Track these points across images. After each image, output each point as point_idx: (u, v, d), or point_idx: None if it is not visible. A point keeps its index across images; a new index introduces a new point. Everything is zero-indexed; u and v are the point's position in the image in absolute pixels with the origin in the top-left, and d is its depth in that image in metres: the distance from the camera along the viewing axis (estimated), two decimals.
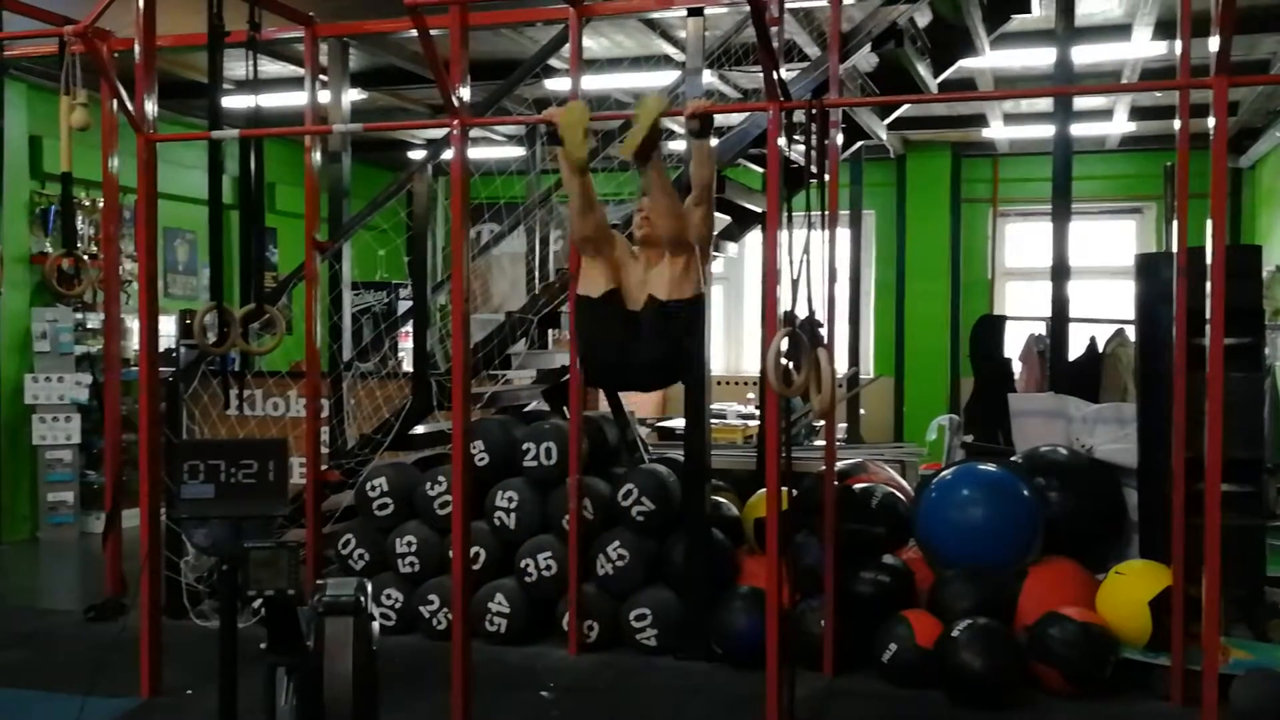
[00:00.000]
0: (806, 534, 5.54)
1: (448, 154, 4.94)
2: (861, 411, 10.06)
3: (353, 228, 6.66)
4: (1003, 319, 8.61)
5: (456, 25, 4.66)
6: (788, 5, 6.03)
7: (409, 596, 6.03)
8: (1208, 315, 4.29)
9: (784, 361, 4.12)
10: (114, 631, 5.85)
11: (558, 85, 8.12)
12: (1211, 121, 4.16)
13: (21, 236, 8.65)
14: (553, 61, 6.92)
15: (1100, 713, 4.90)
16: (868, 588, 5.48)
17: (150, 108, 5.21)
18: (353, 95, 7.26)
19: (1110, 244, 12.04)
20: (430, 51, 4.40)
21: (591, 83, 7.10)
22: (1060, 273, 6.55)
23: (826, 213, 4.50)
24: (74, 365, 8.81)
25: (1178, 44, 5.10)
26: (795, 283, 4.24)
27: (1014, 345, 8.21)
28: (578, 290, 4.30)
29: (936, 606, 5.36)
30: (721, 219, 6.59)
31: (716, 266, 10.97)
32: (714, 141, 4.47)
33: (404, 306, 9.37)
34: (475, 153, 8.47)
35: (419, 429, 6.34)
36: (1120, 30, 7.79)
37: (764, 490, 5.35)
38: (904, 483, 6.98)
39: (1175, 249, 5.07)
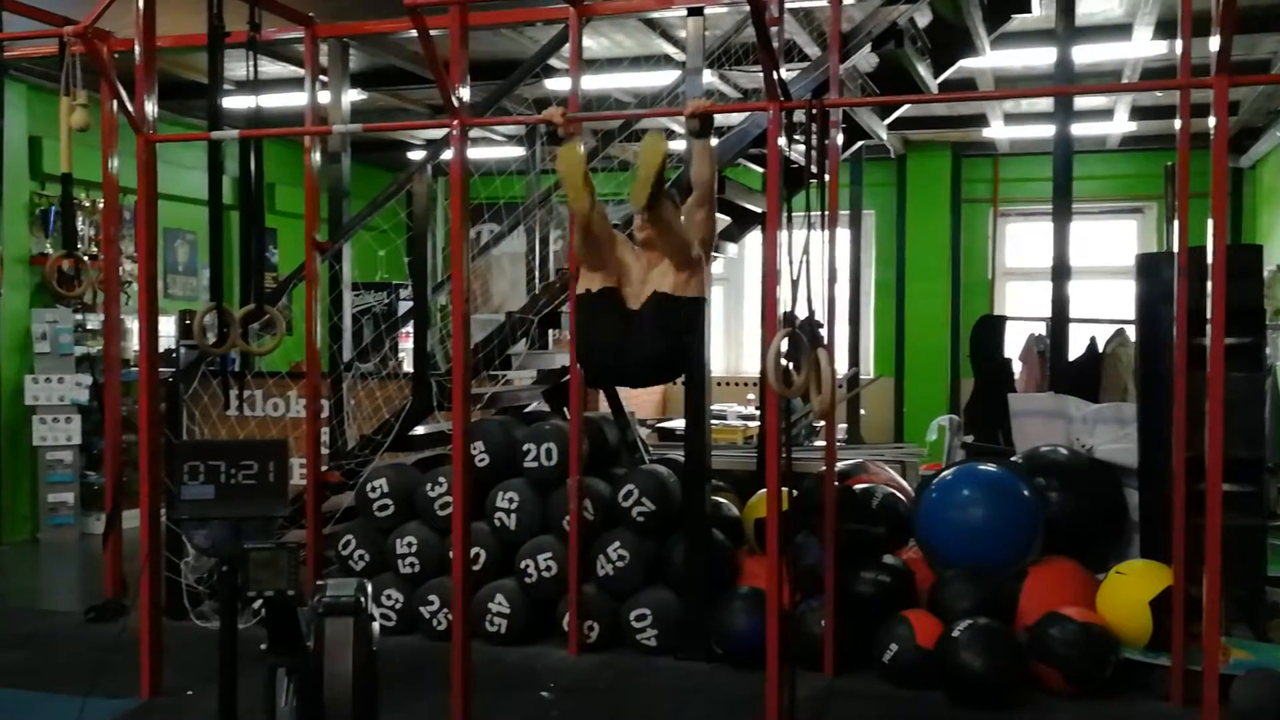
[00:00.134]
0: (807, 534, 5.53)
1: (447, 154, 4.94)
2: (862, 412, 10.06)
3: (353, 228, 6.66)
4: (1003, 319, 8.61)
5: (456, 25, 4.66)
6: (788, 5, 6.03)
7: (409, 597, 6.03)
8: (1208, 315, 4.28)
9: (784, 362, 4.12)
10: (114, 632, 5.85)
11: (558, 85, 8.12)
12: (1212, 121, 4.16)
13: (21, 237, 8.65)
14: (553, 61, 6.92)
15: (1101, 713, 4.89)
16: (868, 588, 5.48)
17: (150, 108, 5.21)
18: (352, 96, 7.26)
19: (1111, 244, 12.04)
20: (430, 52, 4.40)
21: (591, 83, 7.10)
22: (1061, 273, 6.55)
23: (826, 213, 4.50)
24: (74, 366, 8.81)
25: (1178, 44, 5.10)
26: (795, 283, 4.24)
27: (1014, 345, 8.21)
28: (577, 289, 4.30)
29: (937, 607, 5.36)
30: (721, 219, 6.58)
31: (717, 266, 10.98)
32: (714, 141, 4.47)
33: (404, 307, 9.38)
34: (475, 153, 8.47)
35: (419, 430, 6.34)
36: (1121, 30, 7.79)
37: (764, 491, 5.35)
38: (904, 483, 6.98)
39: (1176, 249, 5.06)
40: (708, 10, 5.84)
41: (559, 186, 6.14)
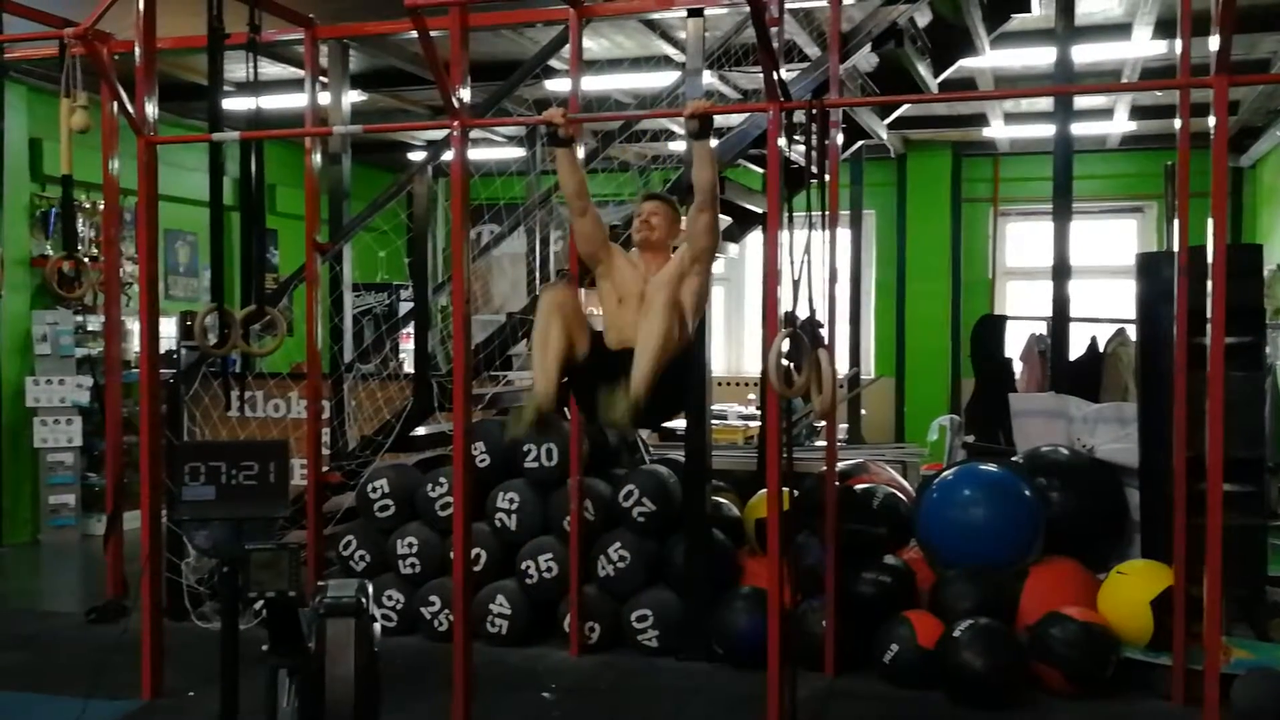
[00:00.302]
0: (808, 534, 5.54)
1: (448, 155, 4.94)
2: (862, 412, 10.05)
3: (353, 229, 6.66)
4: (1003, 319, 8.61)
5: (456, 26, 4.67)
6: (788, 6, 6.03)
7: (410, 598, 6.03)
8: (1209, 314, 4.28)
9: (785, 362, 4.12)
10: (115, 633, 5.85)
11: (558, 86, 8.12)
12: (1212, 120, 4.16)
13: (22, 239, 8.66)
14: (553, 62, 6.92)
15: (1101, 712, 4.90)
16: (869, 588, 5.48)
17: (150, 110, 5.21)
18: (353, 97, 7.26)
19: (1111, 243, 12.03)
20: (430, 53, 4.40)
21: (592, 84, 7.10)
22: (1061, 272, 6.55)
23: (827, 213, 4.50)
24: (75, 368, 8.81)
25: (1178, 43, 5.10)
26: (796, 283, 4.24)
27: (1015, 345, 8.21)
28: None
29: (938, 607, 5.36)
30: (722, 219, 6.58)
31: (717, 267, 10.94)
32: (714, 142, 4.47)
33: (405, 308, 9.38)
34: (475, 154, 8.47)
35: (420, 430, 6.34)
36: (1120, 29, 7.79)
37: (765, 491, 5.35)
38: (905, 483, 6.99)
39: (1176, 248, 5.06)
40: (708, 11, 5.84)
41: (559, 187, 6.15)
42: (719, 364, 12.36)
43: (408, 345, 7.23)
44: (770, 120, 4.47)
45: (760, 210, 6.35)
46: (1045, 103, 9.60)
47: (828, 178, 4.83)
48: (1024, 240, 12.65)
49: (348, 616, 3.27)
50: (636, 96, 8.42)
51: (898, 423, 12.03)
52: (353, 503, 6.25)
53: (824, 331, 4.83)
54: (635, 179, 10.02)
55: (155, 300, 5.29)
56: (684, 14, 5.84)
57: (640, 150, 10.06)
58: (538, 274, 7.85)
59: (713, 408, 5.83)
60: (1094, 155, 11.52)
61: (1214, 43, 4.11)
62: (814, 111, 4.46)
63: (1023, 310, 10.92)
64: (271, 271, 10.60)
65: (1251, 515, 5.13)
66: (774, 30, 5.49)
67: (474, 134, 5.63)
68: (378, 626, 3.38)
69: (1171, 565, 5.00)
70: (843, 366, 9.05)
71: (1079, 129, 9.56)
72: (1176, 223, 5.03)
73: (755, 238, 7.16)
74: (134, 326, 7.48)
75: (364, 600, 3.32)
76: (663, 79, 8.04)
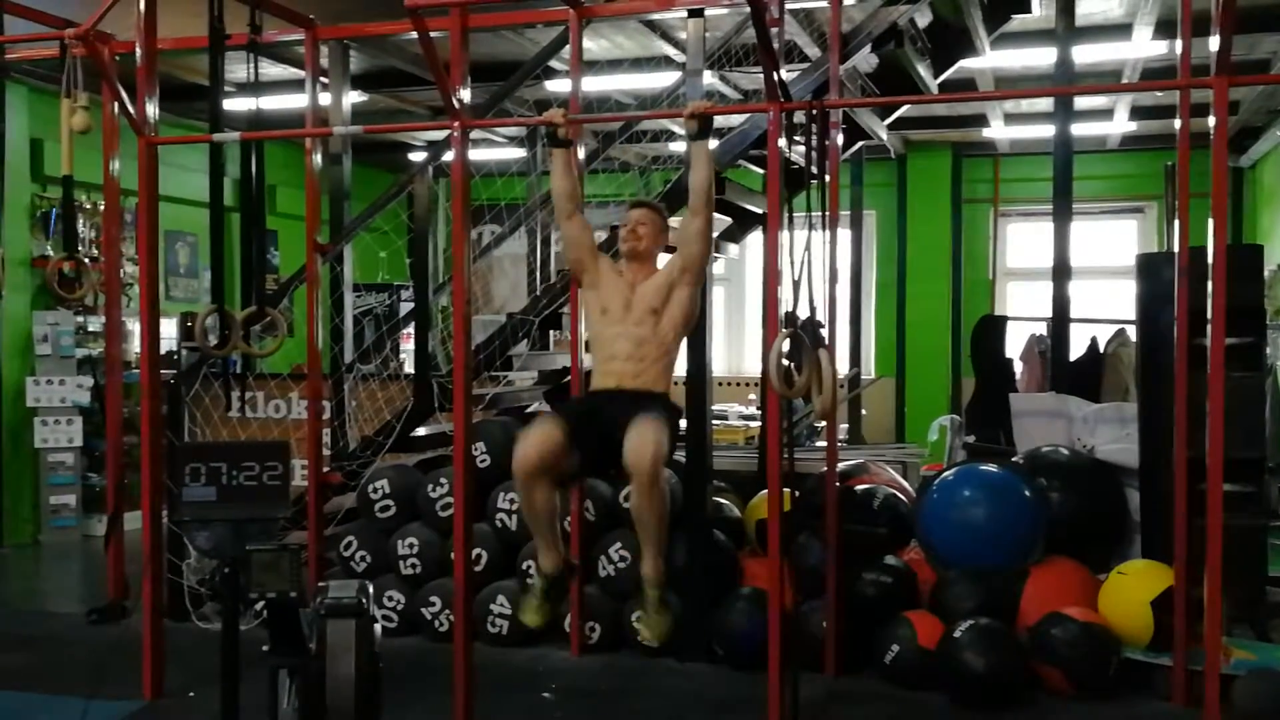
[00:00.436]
0: (808, 535, 5.54)
1: (448, 156, 4.95)
2: (863, 412, 10.06)
3: (354, 230, 6.67)
4: (1004, 319, 8.61)
5: (457, 27, 4.67)
6: (788, 6, 6.03)
7: (411, 598, 6.03)
8: (1209, 315, 4.29)
9: (785, 362, 4.12)
10: (116, 634, 5.86)
11: (558, 87, 8.12)
12: (1212, 121, 4.16)
13: (23, 240, 8.66)
14: (553, 63, 6.93)
15: (1102, 713, 4.90)
16: (870, 589, 5.48)
17: (151, 110, 5.21)
18: (353, 97, 7.26)
19: (1111, 244, 12.04)
20: (431, 53, 4.40)
21: (592, 84, 7.10)
22: (1061, 273, 6.55)
23: (827, 213, 4.50)
24: (75, 368, 8.82)
25: (1178, 43, 5.10)
26: (796, 284, 4.24)
27: (1015, 345, 8.21)
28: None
29: (938, 607, 5.36)
30: (722, 220, 6.59)
31: (718, 267, 10.96)
32: (714, 143, 4.48)
33: (405, 308, 9.37)
34: (476, 154, 8.47)
35: (421, 431, 6.34)
36: (1120, 30, 7.79)
37: (765, 491, 5.35)
38: (905, 484, 6.98)
39: (1176, 249, 5.06)
40: (708, 12, 5.84)
41: None
42: (719, 364, 12.35)
43: (408, 346, 7.23)
44: (770, 121, 4.47)
45: (760, 211, 6.35)
46: (1045, 103, 9.61)
47: (828, 178, 4.84)
48: (1024, 241, 12.66)
49: (348, 617, 3.27)
50: (637, 97, 8.42)
51: (898, 423, 12.03)
52: (353, 503, 6.25)
53: (824, 332, 4.83)
54: (636, 180, 10.03)
55: (156, 301, 5.29)
56: (684, 14, 5.84)
57: (641, 151, 10.08)
58: (538, 275, 7.85)
59: (713, 408, 5.82)
60: (1094, 156, 11.52)
61: (1214, 43, 4.11)
62: (814, 112, 4.46)
63: (1023, 311, 10.92)
64: (272, 272, 10.59)
65: (1252, 516, 5.13)
66: (774, 31, 5.49)
67: (474, 134, 5.64)
68: (378, 627, 3.38)
69: (1172, 566, 5.00)
70: (843, 367, 9.06)
71: (1079, 129, 9.56)
72: (1177, 223, 5.03)
73: (755, 238, 7.16)
74: (134, 327, 7.49)
75: (365, 601, 3.33)
76: (663, 80, 8.04)
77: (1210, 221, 4.24)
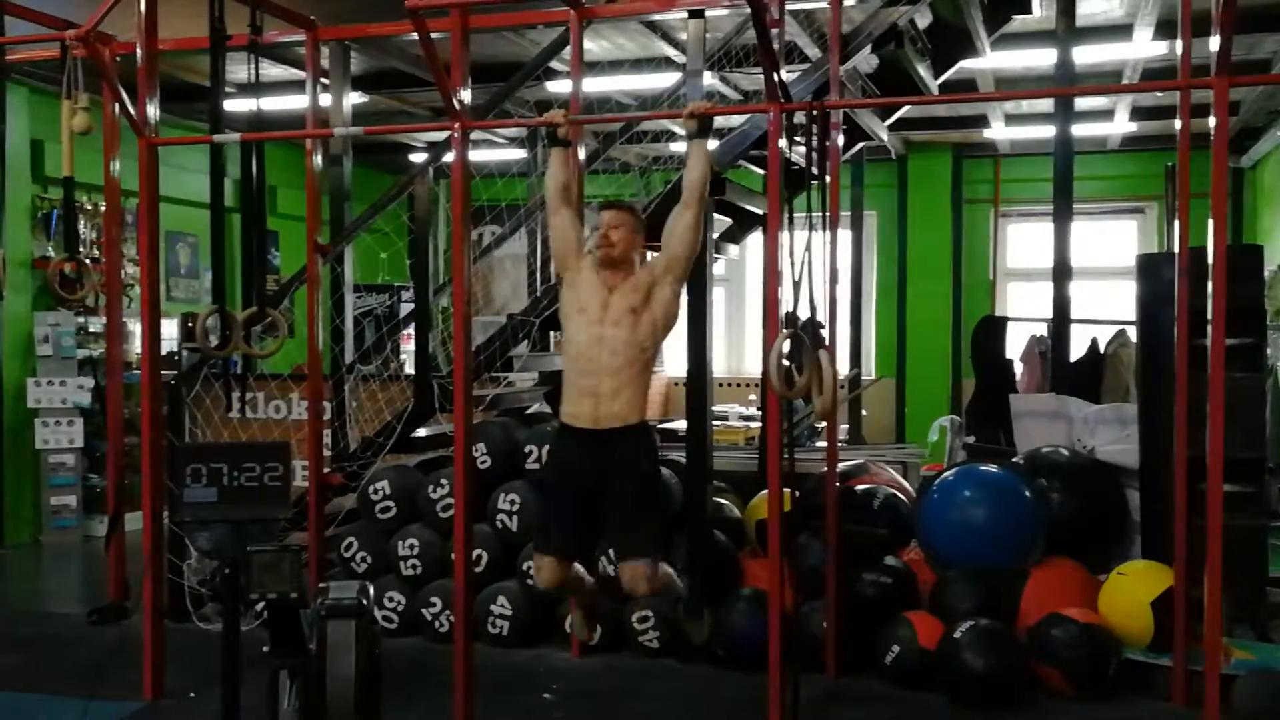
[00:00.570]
0: (808, 536, 5.54)
1: (449, 156, 4.95)
2: (863, 413, 10.05)
3: (354, 231, 6.67)
4: (1004, 320, 8.61)
5: (457, 28, 4.68)
6: (788, 7, 6.03)
7: (411, 599, 6.04)
8: (1209, 315, 4.29)
9: (786, 363, 4.12)
10: (117, 635, 5.86)
11: (559, 87, 8.13)
12: (1212, 121, 4.16)
13: (24, 241, 8.66)
14: (554, 64, 6.93)
15: (1102, 714, 4.90)
16: (870, 589, 5.48)
17: (152, 111, 5.22)
18: (354, 98, 7.26)
19: (1112, 244, 12.03)
20: (431, 54, 4.40)
21: (592, 85, 7.10)
22: (1062, 273, 6.55)
23: (828, 214, 4.50)
24: (76, 369, 8.82)
25: (1178, 44, 5.11)
26: (797, 284, 4.24)
27: (1015, 346, 8.21)
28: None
29: (939, 608, 5.36)
30: (723, 220, 6.59)
31: (718, 268, 10.97)
32: (714, 144, 4.48)
33: (406, 309, 9.38)
34: (476, 155, 8.48)
35: (421, 431, 6.34)
36: (1121, 30, 7.79)
37: (766, 492, 5.35)
38: (906, 484, 6.98)
39: (1176, 249, 5.06)
40: (708, 12, 5.84)
41: None
42: (719, 365, 12.36)
43: (409, 346, 7.24)
44: (771, 121, 4.47)
45: (761, 211, 6.36)
46: (1046, 104, 9.60)
47: (828, 179, 4.83)
48: (1025, 241, 12.65)
49: (349, 618, 3.28)
50: (637, 98, 8.42)
51: (898, 423, 12.03)
52: (354, 504, 6.25)
53: (825, 332, 4.83)
54: (636, 180, 10.04)
55: (156, 302, 5.29)
56: (685, 15, 5.84)
57: (641, 151, 10.08)
58: (539, 275, 7.85)
59: (713, 408, 5.82)
60: (1094, 156, 11.52)
61: (1214, 43, 4.12)
62: (814, 113, 4.46)
63: (1023, 311, 10.91)
64: (273, 273, 10.58)
65: (1252, 516, 5.13)
66: (774, 32, 5.50)
67: (475, 135, 5.65)
68: (379, 628, 3.38)
69: (1172, 566, 5.00)
70: (843, 367, 9.06)
71: (1080, 130, 9.57)
72: (1177, 224, 5.03)
73: (756, 239, 7.17)
74: (135, 328, 7.49)
75: (365, 601, 3.33)
76: (663, 80, 8.04)
77: (1210, 222, 4.24)
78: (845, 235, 9.62)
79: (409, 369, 7.14)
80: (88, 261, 6.65)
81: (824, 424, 6.06)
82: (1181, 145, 4.97)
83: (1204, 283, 4.66)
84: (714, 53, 6.92)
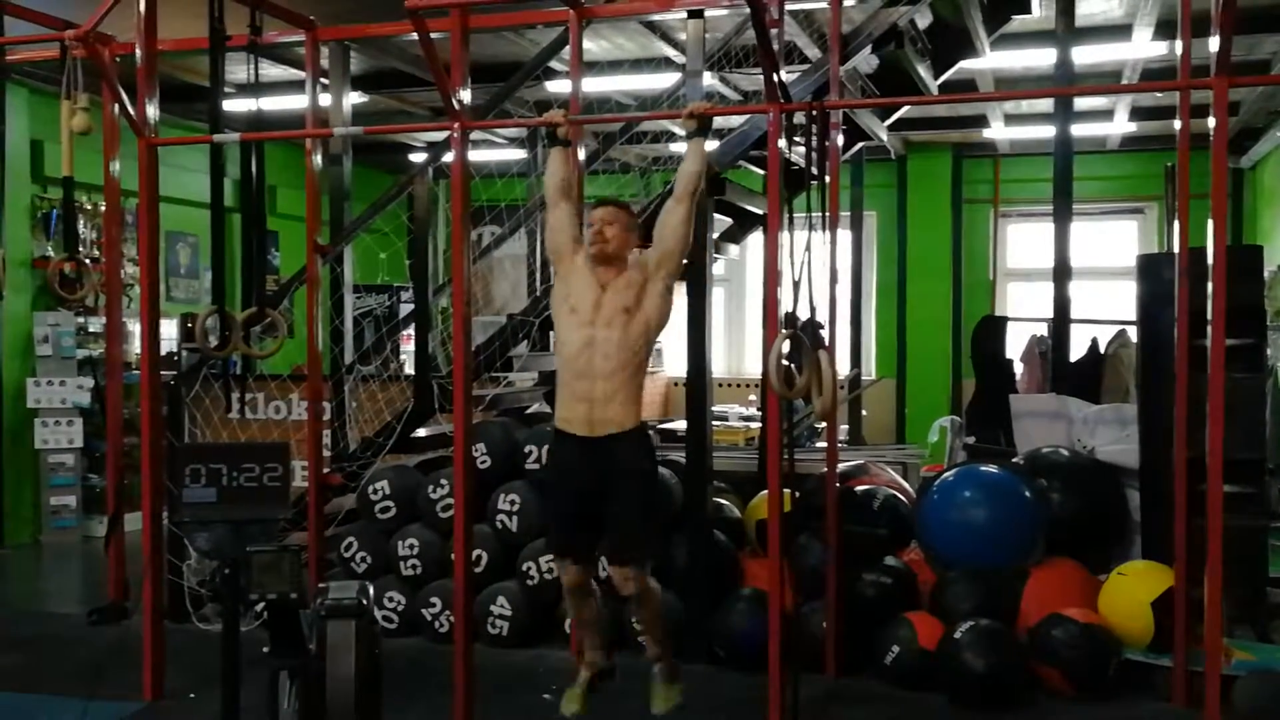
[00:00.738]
0: (808, 536, 5.54)
1: (449, 156, 4.95)
2: (863, 413, 10.05)
3: (354, 231, 6.67)
4: (1004, 320, 8.61)
5: (457, 28, 4.68)
6: (788, 7, 6.03)
7: (411, 599, 6.03)
8: (1209, 316, 4.29)
9: (785, 363, 4.12)
10: (116, 635, 5.86)
11: (558, 87, 8.13)
12: (1212, 122, 4.16)
13: (23, 241, 8.66)
14: (553, 64, 6.93)
15: (1102, 714, 4.89)
16: (870, 589, 5.48)
17: (151, 111, 5.22)
18: (354, 98, 7.27)
19: (1111, 245, 12.03)
20: (431, 54, 4.40)
21: (592, 85, 7.11)
22: (1062, 273, 6.55)
23: (827, 214, 4.50)
24: (76, 369, 8.82)
25: (1178, 44, 5.10)
26: (796, 284, 4.24)
27: (1015, 346, 8.21)
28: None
29: (939, 608, 5.36)
30: (723, 220, 6.59)
31: (718, 268, 10.98)
32: (713, 144, 4.48)
33: (405, 309, 9.38)
34: (476, 155, 8.47)
35: (421, 432, 6.34)
36: (1121, 30, 7.79)
37: (766, 492, 5.35)
38: (906, 484, 6.98)
39: (1176, 249, 5.06)
40: (708, 13, 5.84)
41: None
42: (719, 365, 12.36)
43: (408, 347, 7.23)
44: (770, 122, 4.47)
45: (761, 211, 6.36)
46: (1046, 104, 9.60)
47: (828, 179, 4.83)
48: (1024, 241, 12.65)
49: (349, 618, 3.28)
50: (637, 98, 8.42)
51: (898, 424, 12.03)
52: (354, 504, 6.25)
53: (825, 333, 4.83)
54: (636, 180, 10.04)
55: (156, 302, 5.29)
56: (684, 16, 5.85)
57: (641, 152, 10.09)
58: (538, 275, 7.85)
59: (713, 409, 5.82)
60: (1094, 156, 11.52)
61: (1214, 44, 4.12)
62: (814, 113, 4.46)
63: (1023, 311, 10.91)
64: (272, 273, 10.59)
65: (1252, 516, 5.13)
66: (774, 32, 5.50)
67: (475, 135, 5.64)
68: (378, 628, 3.38)
69: (1172, 566, 5.00)
70: (843, 368, 9.06)
71: (1079, 130, 9.57)
72: (1177, 224, 5.03)
73: (756, 239, 7.17)
74: (135, 328, 7.49)
75: (365, 602, 3.33)
76: (663, 80, 8.04)
77: (1210, 222, 4.24)
78: (845, 235, 9.63)
79: (409, 369, 7.14)
80: (87, 261, 6.65)
81: (824, 424, 6.06)
82: (1181, 146, 4.97)
83: (1204, 283, 4.66)
84: (714, 53, 6.92)
